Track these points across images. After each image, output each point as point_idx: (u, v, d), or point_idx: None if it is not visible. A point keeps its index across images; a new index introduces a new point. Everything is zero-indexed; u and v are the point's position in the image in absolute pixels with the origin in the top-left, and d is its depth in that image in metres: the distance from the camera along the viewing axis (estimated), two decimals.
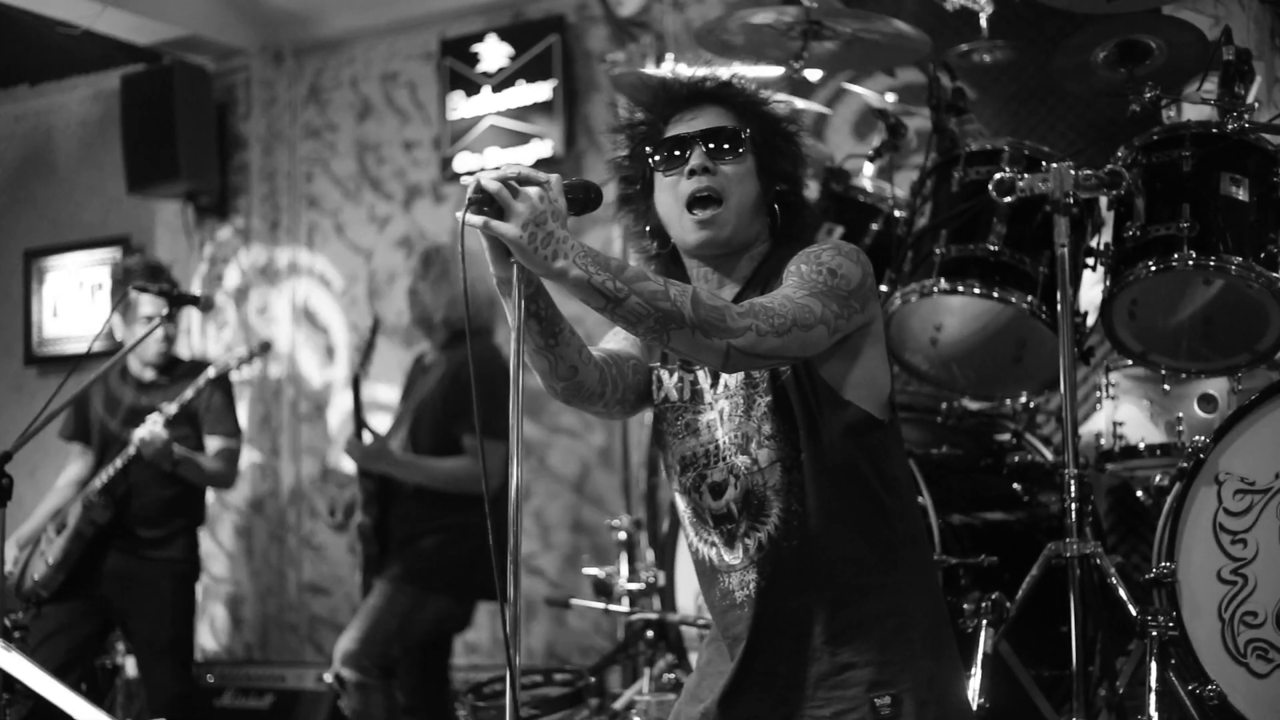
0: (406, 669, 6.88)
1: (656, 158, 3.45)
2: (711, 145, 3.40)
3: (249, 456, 9.49)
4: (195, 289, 9.64)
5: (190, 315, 9.71)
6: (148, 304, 6.72)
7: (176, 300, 6.05)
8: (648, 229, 3.56)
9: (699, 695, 3.53)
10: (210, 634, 9.66)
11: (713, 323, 3.06)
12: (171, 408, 6.57)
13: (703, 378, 3.47)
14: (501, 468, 6.36)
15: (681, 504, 3.54)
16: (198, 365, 7.08)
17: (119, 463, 6.57)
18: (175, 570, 6.90)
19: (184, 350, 9.12)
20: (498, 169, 3.02)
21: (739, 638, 3.41)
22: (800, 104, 6.29)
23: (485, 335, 7.00)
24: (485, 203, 2.98)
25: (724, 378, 3.41)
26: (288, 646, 9.30)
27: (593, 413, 3.53)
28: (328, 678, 6.72)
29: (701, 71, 3.57)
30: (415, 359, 7.30)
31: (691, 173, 3.38)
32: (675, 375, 3.51)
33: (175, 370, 7.04)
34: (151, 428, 6.51)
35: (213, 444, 6.93)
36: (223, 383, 6.95)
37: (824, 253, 3.31)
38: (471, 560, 6.67)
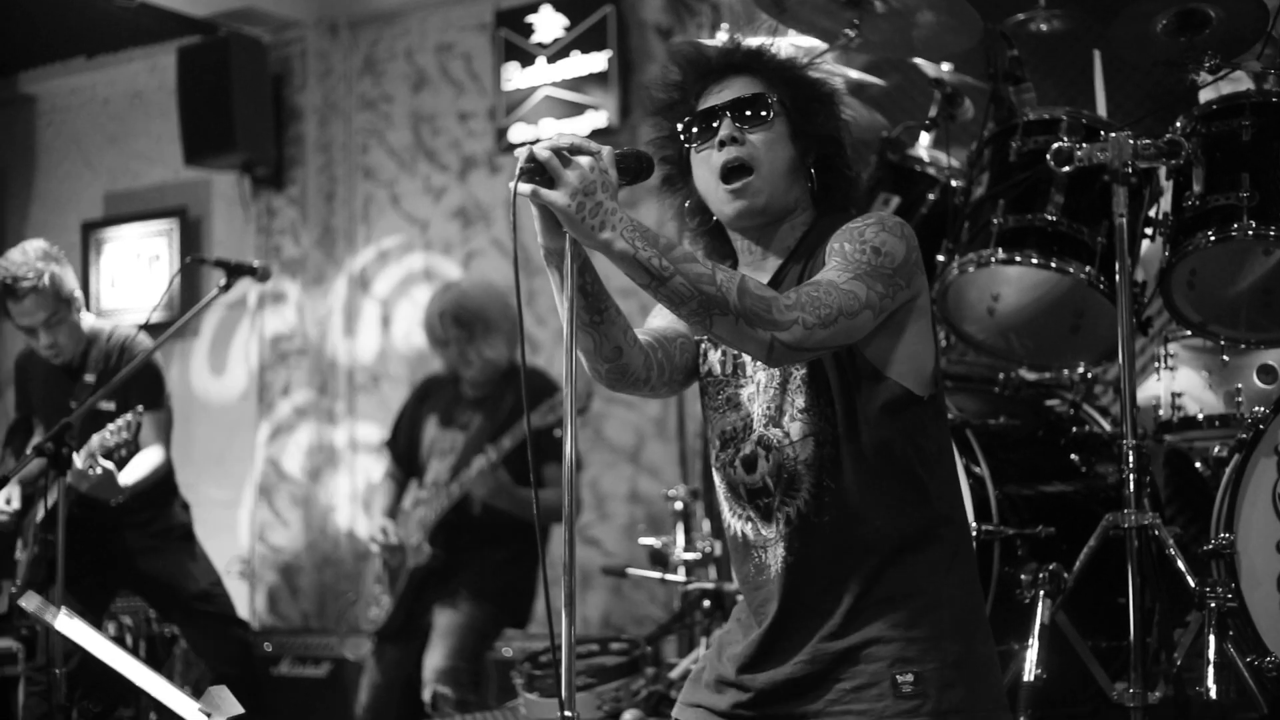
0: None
1: (689, 133, 3.44)
2: (738, 114, 3.38)
3: (305, 430, 9.56)
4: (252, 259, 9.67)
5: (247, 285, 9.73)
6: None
7: (234, 270, 6.04)
8: (689, 205, 3.55)
9: (717, 668, 3.50)
10: (267, 603, 9.72)
11: (758, 313, 3.04)
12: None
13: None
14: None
15: (717, 479, 3.51)
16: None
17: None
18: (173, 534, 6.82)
19: (244, 324, 9.21)
20: (550, 139, 3.01)
21: (766, 610, 3.39)
22: (854, 74, 6.27)
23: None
24: (536, 172, 2.97)
25: None
26: (345, 617, 9.35)
27: (639, 394, 3.50)
28: (426, 697, 6.67)
29: (728, 42, 3.56)
30: (439, 384, 7.21)
31: (721, 144, 3.36)
32: (720, 349, 3.49)
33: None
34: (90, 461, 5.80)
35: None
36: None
37: (868, 229, 3.27)
38: (535, 578, 6.78)
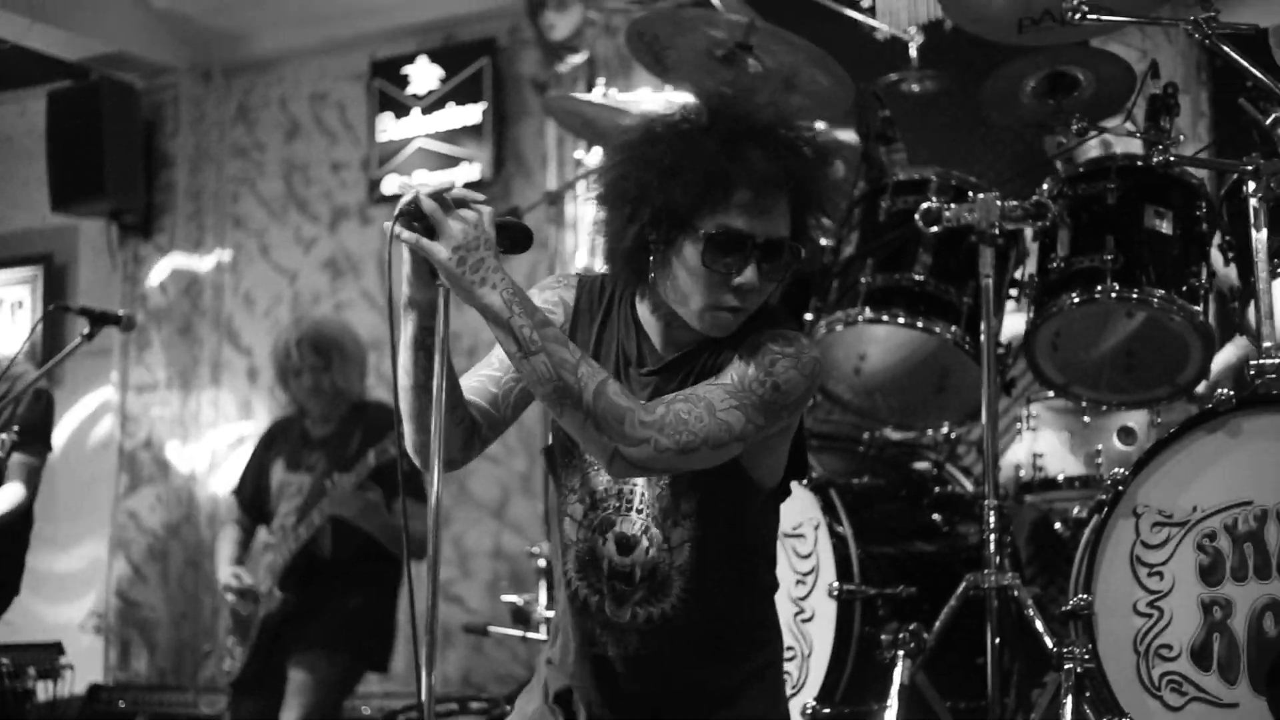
0: None
1: (710, 246, 3.04)
2: (768, 258, 3.06)
3: (161, 484, 9.44)
4: (117, 308, 9.54)
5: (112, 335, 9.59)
6: None
7: (98, 319, 5.93)
8: (628, 257, 3.15)
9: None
10: (121, 658, 9.54)
11: (609, 421, 2.91)
12: None
13: None
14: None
15: (570, 532, 3.28)
16: None
17: None
18: None
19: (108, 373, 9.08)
20: (433, 185, 2.91)
21: (606, 693, 3.27)
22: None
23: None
24: (415, 217, 2.88)
25: None
26: (201, 672, 9.19)
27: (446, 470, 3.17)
28: None
29: (787, 139, 3.12)
30: (283, 427, 7.08)
31: (739, 288, 3.05)
32: None
33: None
34: None
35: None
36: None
37: (780, 360, 3.05)
38: (393, 621, 6.64)
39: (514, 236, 3.01)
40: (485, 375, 3.26)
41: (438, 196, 2.89)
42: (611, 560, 3.22)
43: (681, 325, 3.16)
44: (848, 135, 6.06)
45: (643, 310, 3.26)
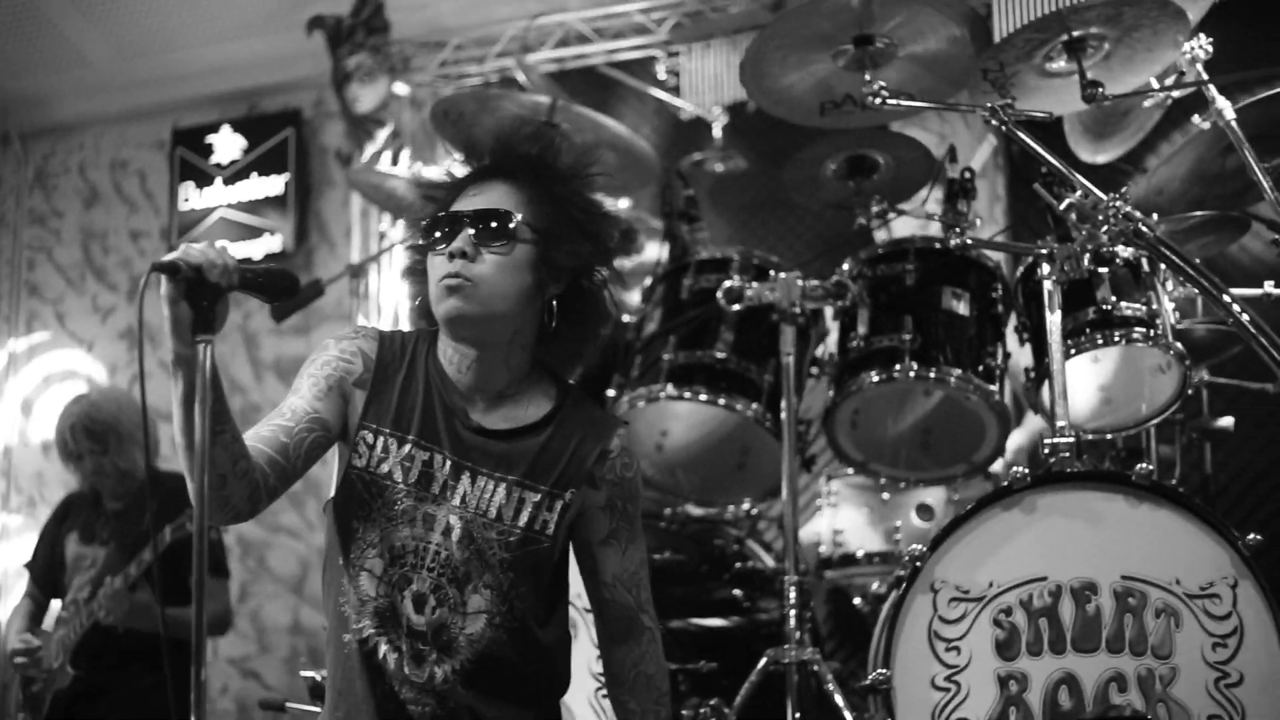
0: None
1: (428, 234, 3.25)
2: (480, 228, 3.19)
3: None
4: None
5: None
6: None
7: None
8: (419, 304, 3.34)
9: None
10: None
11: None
12: None
13: (441, 463, 3.23)
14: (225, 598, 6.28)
15: (369, 587, 3.23)
16: None
17: None
18: None
19: None
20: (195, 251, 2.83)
21: None
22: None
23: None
24: (172, 270, 2.79)
25: (470, 483, 3.23)
26: None
27: (232, 524, 3.21)
28: None
29: (510, 136, 3.34)
30: (78, 500, 6.93)
31: (452, 255, 3.16)
32: (406, 448, 3.24)
33: None
34: None
35: None
36: None
37: (638, 482, 3.41)
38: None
39: (275, 284, 2.99)
40: (277, 425, 3.19)
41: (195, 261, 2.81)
42: (410, 618, 3.20)
43: (471, 365, 3.26)
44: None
45: (443, 360, 3.31)
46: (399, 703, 3.20)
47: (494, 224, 3.19)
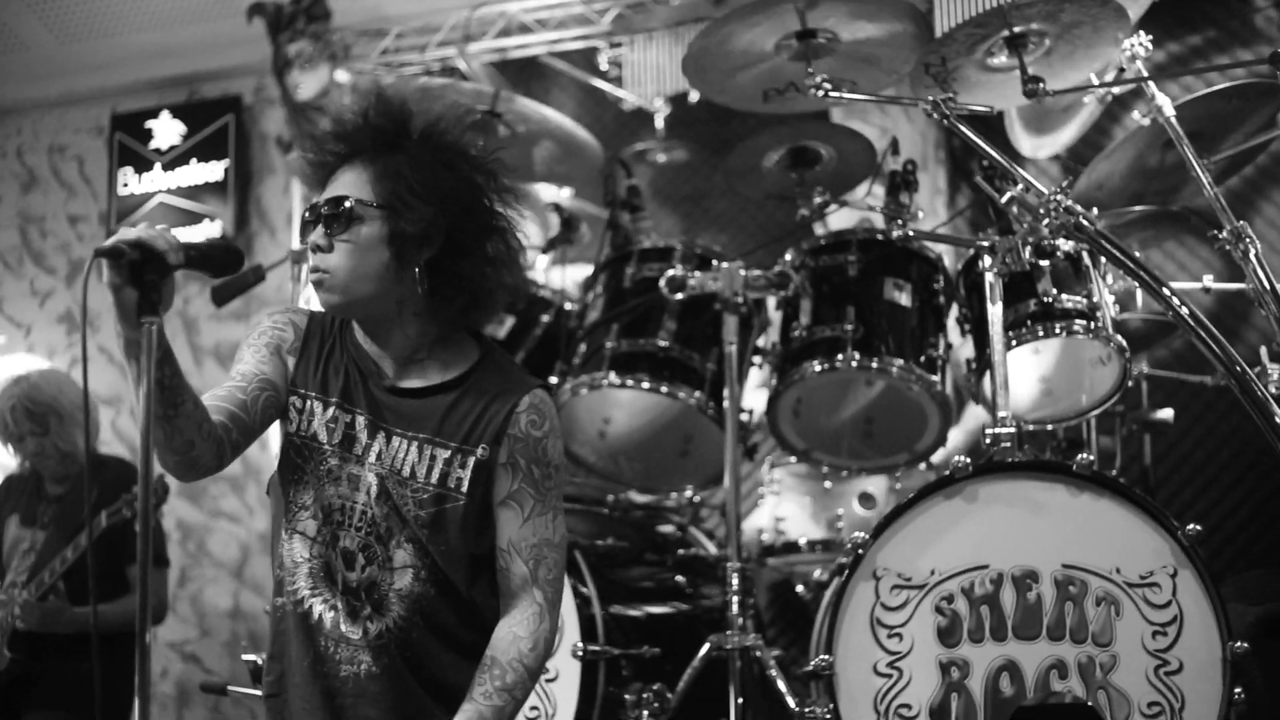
0: None
1: (303, 235, 3.34)
2: (328, 220, 3.27)
3: None
4: None
5: None
6: None
7: None
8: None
9: None
10: None
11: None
12: None
13: (361, 424, 3.32)
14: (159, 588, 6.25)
15: (301, 549, 3.32)
16: None
17: None
18: None
19: None
20: (137, 234, 2.89)
21: (338, 713, 3.27)
22: None
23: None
24: (115, 255, 2.84)
25: (384, 442, 3.30)
26: None
27: (205, 477, 3.30)
28: None
29: (357, 115, 3.38)
30: (18, 482, 6.88)
31: (313, 250, 3.27)
32: (330, 410, 3.34)
33: None
34: None
35: None
36: None
37: (547, 442, 3.36)
38: (126, 684, 6.43)
39: (220, 257, 3.03)
40: (231, 386, 3.29)
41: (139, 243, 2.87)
42: (344, 575, 3.28)
43: (371, 336, 3.38)
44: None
45: (355, 331, 3.41)
46: (333, 663, 3.26)
47: (337, 212, 3.26)
